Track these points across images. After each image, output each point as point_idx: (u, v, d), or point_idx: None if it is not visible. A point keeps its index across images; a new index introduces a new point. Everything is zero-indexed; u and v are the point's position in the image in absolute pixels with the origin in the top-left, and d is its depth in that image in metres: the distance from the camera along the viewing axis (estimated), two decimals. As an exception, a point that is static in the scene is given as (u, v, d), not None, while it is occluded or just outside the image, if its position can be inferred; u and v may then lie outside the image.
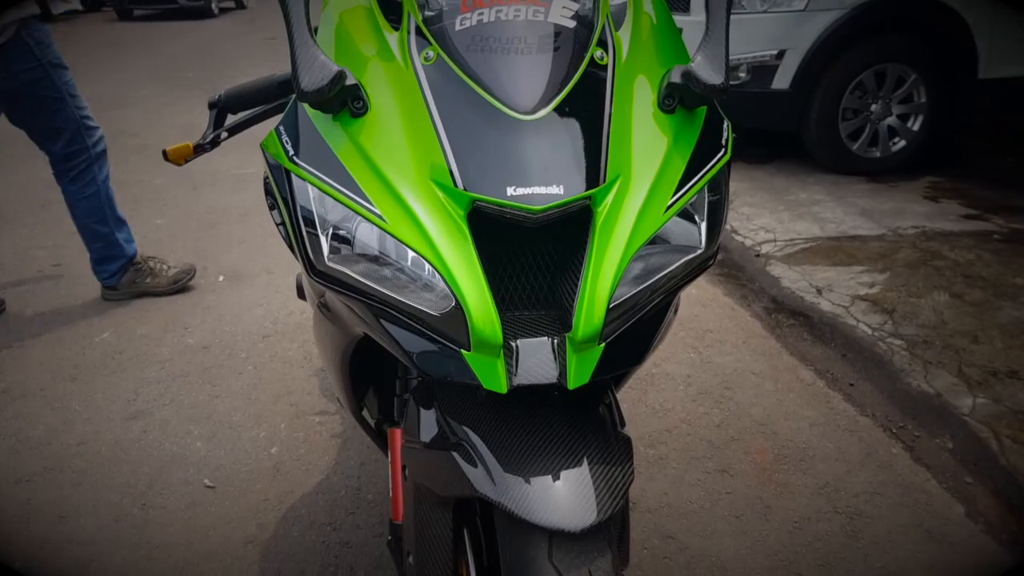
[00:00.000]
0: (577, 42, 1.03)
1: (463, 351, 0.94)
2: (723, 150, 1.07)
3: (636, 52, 1.09)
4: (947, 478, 2.28)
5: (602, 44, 1.05)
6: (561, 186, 0.92)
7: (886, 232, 3.90)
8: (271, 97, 1.44)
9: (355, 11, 1.12)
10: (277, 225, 1.11)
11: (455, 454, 1.02)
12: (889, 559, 1.96)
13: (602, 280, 0.92)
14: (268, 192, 1.13)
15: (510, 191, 0.91)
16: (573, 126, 0.97)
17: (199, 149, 1.38)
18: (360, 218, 0.95)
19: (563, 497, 0.93)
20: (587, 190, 0.93)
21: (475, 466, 0.99)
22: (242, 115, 1.42)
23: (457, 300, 0.91)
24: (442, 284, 0.92)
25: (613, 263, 0.93)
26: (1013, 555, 1.99)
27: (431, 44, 1.03)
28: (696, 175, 1.02)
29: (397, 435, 1.42)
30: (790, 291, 3.39)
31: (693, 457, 2.34)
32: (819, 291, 3.35)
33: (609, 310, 0.93)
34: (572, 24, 1.04)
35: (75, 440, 2.44)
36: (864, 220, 4.07)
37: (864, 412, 2.59)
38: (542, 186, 0.92)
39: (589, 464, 0.97)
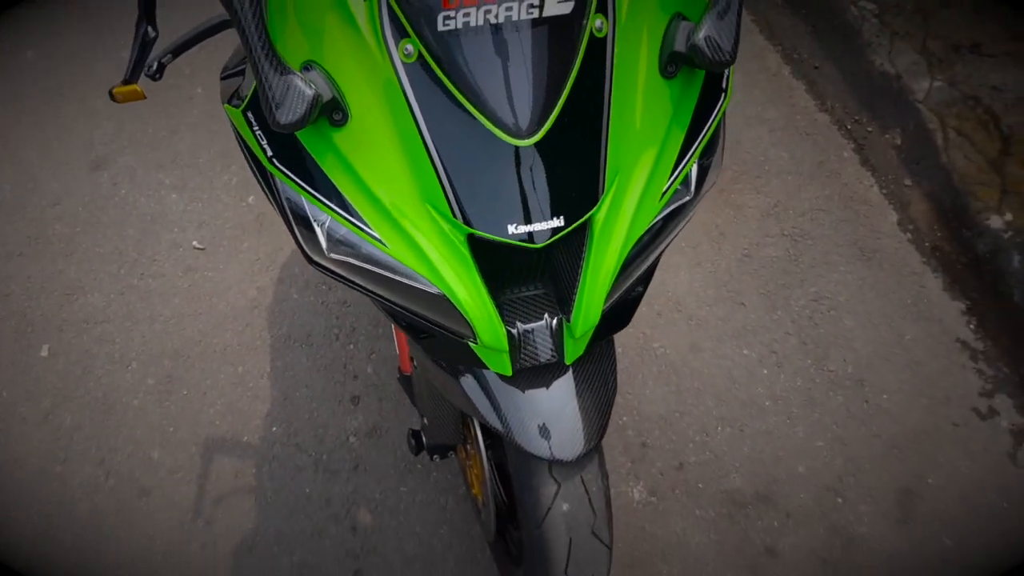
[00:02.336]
0: (575, 18, 0.91)
1: (471, 343, 1.03)
2: (723, 95, 1.03)
3: (638, 3, 0.97)
4: (888, 181, 2.46)
5: (602, 7, 0.93)
6: (562, 217, 0.93)
7: None
8: None
9: None
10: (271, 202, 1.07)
11: (462, 382, 1.17)
12: (823, 283, 2.23)
13: (600, 284, 0.99)
14: (240, 146, 1.07)
15: (511, 229, 0.92)
16: (572, 140, 0.93)
17: (137, 72, 1.18)
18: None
19: (559, 433, 1.12)
20: (588, 211, 0.94)
21: (482, 398, 1.15)
22: (183, 35, 1.19)
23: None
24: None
25: (610, 267, 0.98)
26: (931, 266, 2.26)
27: (409, 35, 0.89)
28: (694, 143, 1.01)
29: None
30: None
31: (656, 181, 2.44)
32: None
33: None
34: (570, 6, 0.90)
35: (48, 201, 2.45)
36: None
37: (823, 106, 2.64)
38: (542, 221, 0.93)
39: (578, 397, 1.14)
